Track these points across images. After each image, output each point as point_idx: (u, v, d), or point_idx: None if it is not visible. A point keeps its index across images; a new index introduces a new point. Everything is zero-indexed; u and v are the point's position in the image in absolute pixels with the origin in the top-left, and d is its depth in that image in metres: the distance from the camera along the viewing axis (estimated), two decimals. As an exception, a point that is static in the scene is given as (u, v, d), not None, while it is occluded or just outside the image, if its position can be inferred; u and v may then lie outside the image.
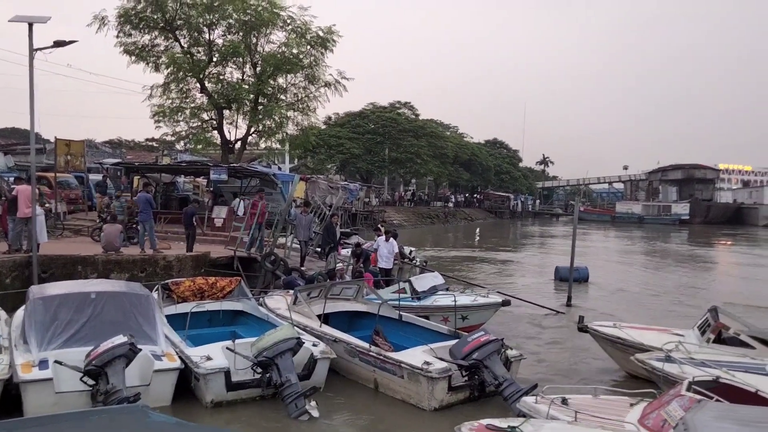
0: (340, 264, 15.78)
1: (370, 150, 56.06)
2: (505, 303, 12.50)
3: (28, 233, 12.92)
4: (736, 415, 4.59)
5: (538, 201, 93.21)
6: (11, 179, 21.45)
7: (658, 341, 8.87)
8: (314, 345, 8.37)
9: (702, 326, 9.25)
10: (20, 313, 8.75)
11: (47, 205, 16.69)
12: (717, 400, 5.31)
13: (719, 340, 8.87)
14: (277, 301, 10.96)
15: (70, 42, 12.76)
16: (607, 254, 32.45)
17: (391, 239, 15.41)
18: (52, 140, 26.50)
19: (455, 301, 11.10)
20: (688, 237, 49.21)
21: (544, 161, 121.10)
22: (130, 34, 24.52)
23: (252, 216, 15.61)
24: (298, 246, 16.94)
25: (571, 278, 16.35)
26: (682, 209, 71.51)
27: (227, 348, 7.86)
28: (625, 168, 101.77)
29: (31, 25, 11.40)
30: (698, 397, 5.19)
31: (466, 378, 7.96)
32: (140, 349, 7.14)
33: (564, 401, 6.17)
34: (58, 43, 12.46)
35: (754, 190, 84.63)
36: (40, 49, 11.99)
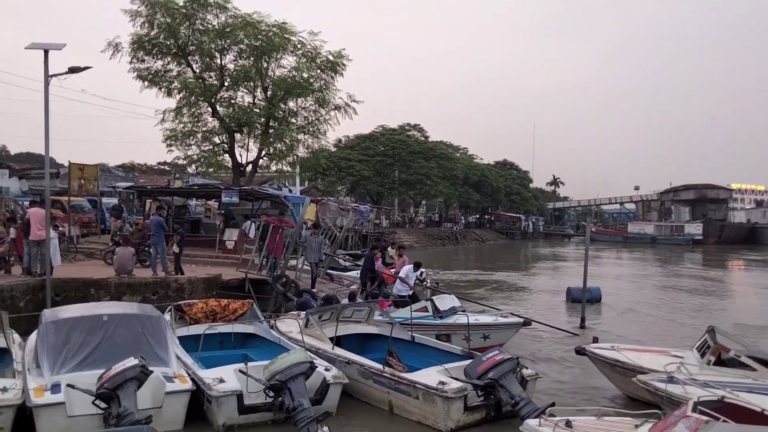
0: (354, 286, 15.73)
1: (380, 172, 56.29)
2: (527, 323, 12.56)
3: (41, 256, 13.00)
4: None
5: (545, 221, 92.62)
6: (26, 203, 21.69)
7: (656, 363, 8.76)
8: (327, 369, 8.29)
9: (701, 347, 9.13)
10: (33, 336, 8.76)
11: (60, 228, 16.81)
12: (724, 421, 5.19)
13: (719, 361, 8.75)
14: (289, 324, 10.91)
15: (85, 68, 12.97)
16: (619, 275, 32.16)
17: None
18: (66, 164, 26.82)
19: (475, 319, 11.06)
20: (702, 257, 48.69)
21: (555, 182, 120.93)
22: (143, 60, 24.91)
23: (274, 239, 15.56)
24: (309, 268, 16.92)
25: (584, 299, 16.19)
26: (695, 229, 70.98)
27: (240, 371, 7.80)
28: (637, 188, 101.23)
29: (46, 52, 11.59)
30: (705, 417, 5.08)
31: (482, 398, 7.85)
32: (152, 371, 7.10)
33: (568, 424, 6.07)
34: (73, 69, 12.68)
35: None
36: (56, 75, 12.18)
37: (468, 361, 8.41)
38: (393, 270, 15.77)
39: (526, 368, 8.66)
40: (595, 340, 10.84)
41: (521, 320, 12.41)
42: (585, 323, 15.56)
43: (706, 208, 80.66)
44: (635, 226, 77.94)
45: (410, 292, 14.59)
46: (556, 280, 27.60)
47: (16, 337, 9.33)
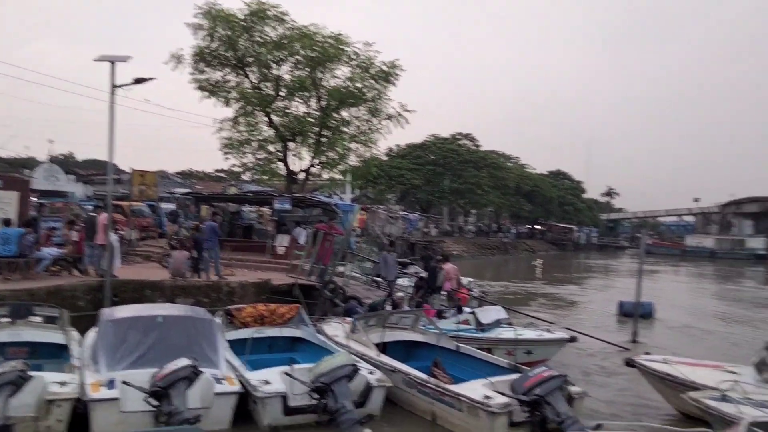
0: (400, 293, 15.79)
1: (430, 180, 56.24)
2: (572, 339, 12.30)
3: (105, 258, 13.60)
4: None
5: (598, 233, 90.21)
6: (89, 207, 22.71)
7: (710, 379, 8.50)
8: (370, 373, 8.38)
9: (759, 364, 8.75)
10: (91, 334, 9.21)
11: (120, 232, 17.53)
12: None
13: None
14: (335, 329, 11.07)
15: (149, 79, 13.49)
16: (675, 289, 31.07)
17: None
18: (128, 170, 27.94)
19: (519, 334, 10.94)
20: (765, 273, 46.47)
21: (609, 193, 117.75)
22: (204, 71, 25.80)
23: (325, 244, 15.81)
24: (357, 275, 17.07)
25: (637, 314, 15.78)
26: (758, 244, 67.84)
27: (285, 373, 7.98)
28: (696, 200, 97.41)
29: (113, 64, 12.18)
30: None
31: (527, 414, 7.74)
32: (202, 372, 7.35)
33: None
34: (139, 80, 13.20)
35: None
36: (122, 86, 12.74)
37: (514, 376, 8.33)
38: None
39: (574, 386, 8.49)
40: (647, 353, 10.55)
41: (566, 336, 12.19)
42: (636, 338, 15.17)
43: (772, 222, 76.95)
44: (693, 239, 75.13)
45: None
46: (607, 293, 26.89)
47: (75, 334, 9.79)
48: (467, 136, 65.64)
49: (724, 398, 7.49)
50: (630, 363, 10.05)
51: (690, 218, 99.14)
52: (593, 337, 14.50)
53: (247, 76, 26.05)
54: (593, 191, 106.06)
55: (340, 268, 17.35)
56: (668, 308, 20.99)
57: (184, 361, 7.15)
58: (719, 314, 21.83)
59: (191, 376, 7.12)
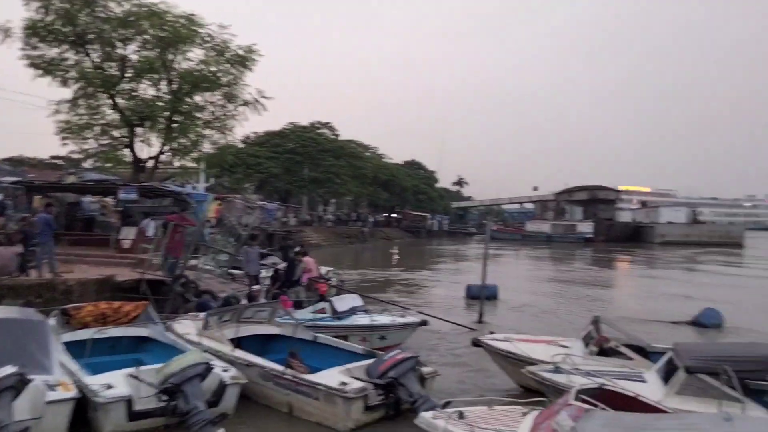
0: (257, 286, 15.47)
1: (289, 169, 55.70)
2: (424, 323, 12.83)
3: None
4: (621, 423, 4.91)
5: (449, 220, 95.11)
6: None
7: (546, 353, 9.27)
8: (224, 370, 8.13)
9: (586, 338, 9.83)
10: None
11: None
12: (602, 408, 5.63)
13: (602, 351, 9.47)
14: (187, 326, 10.59)
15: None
16: (516, 272, 33.71)
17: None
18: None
19: (373, 320, 11.23)
20: (591, 255, 51.90)
21: (460, 182, 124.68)
22: (37, 47, 23.27)
23: (175, 236, 14.97)
24: (211, 267, 16.49)
25: (483, 296, 16.85)
26: (586, 228, 75.51)
27: (130, 375, 7.50)
28: (535, 189, 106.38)
29: None
30: (585, 406, 5.48)
31: (382, 397, 7.99)
32: (31, 380, 6.67)
33: (461, 415, 6.33)
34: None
35: (651, 210, 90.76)
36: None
37: (370, 361, 8.54)
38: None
39: (426, 366, 8.90)
40: (491, 333, 11.30)
41: (418, 320, 12.73)
42: (482, 319, 16.20)
43: (597, 208, 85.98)
44: (533, 225, 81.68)
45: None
46: (457, 277, 28.48)
47: None
48: (326, 125, 65.88)
49: (556, 370, 8.22)
50: (476, 343, 10.68)
51: (530, 205, 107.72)
52: (443, 320, 15.25)
53: (87, 55, 23.96)
54: (445, 180, 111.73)
55: (193, 262, 16.63)
56: (511, 290, 22.65)
57: (8, 369, 6.44)
58: (555, 293, 24.00)
59: (18, 384, 6.43)
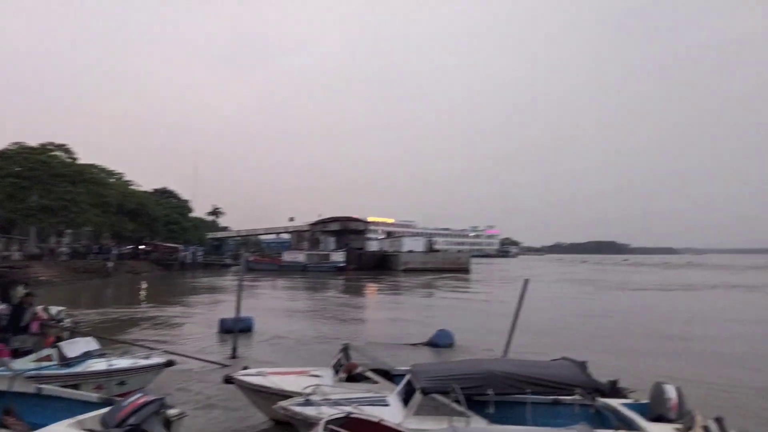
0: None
1: (13, 196, 48.39)
2: (170, 363, 12.01)
3: None
4: None
5: (204, 251, 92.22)
6: None
7: (297, 384, 9.43)
8: None
9: (336, 365, 10.35)
10: None
11: None
12: None
13: (351, 377, 10.03)
14: None
15: None
16: (273, 302, 33.86)
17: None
18: None
19: (110, 364, 10.23)
20: (344, 282, 54.57)
21: (215, 212, 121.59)
22: None
23: None
24: None
25: (236, 329, 16.54)
26: (339, 257, 79.27)
27: None
28: (291, 219, 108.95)
29: None
30: None
31: (123, 446, 7.30)
32: None
33: None
34: None
35: (395, 240, 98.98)
36: None
37: (107, 409, 7.77)
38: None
39: (172, 408, 8.39)
40: (245, 368, 11.10)
41: (163, 361, 11.96)
42: (236, 353, 15.88)
43: (349, 239, 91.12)
44: (289, 255, 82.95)
45: None
46: (211, 311, 27.53)
47: None
48: (61, 147, 58.75)
49: (307, 402, 8.35)
50: (228, 380, 10.35)
51: (287, 236, 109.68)
52: (193, 357, 14.59)
53: None
54: (200, 210, 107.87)
55: None
56: (267, 321, 22.63)
57: None
58: (310, 323, 24.58)
59: None
